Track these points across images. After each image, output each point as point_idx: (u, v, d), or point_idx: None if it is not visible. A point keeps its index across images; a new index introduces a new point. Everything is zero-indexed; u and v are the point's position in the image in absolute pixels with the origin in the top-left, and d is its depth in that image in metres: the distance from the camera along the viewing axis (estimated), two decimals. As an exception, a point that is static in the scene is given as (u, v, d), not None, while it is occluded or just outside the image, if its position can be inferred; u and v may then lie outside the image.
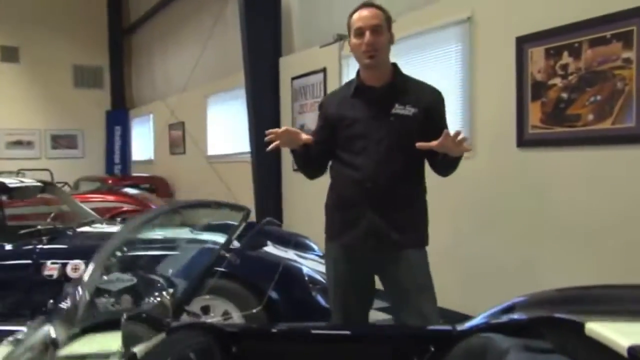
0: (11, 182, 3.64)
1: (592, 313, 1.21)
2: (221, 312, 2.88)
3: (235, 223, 1.84)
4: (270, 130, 2.03)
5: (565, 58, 3.09)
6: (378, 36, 1.99)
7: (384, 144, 2.01)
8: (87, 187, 8.77)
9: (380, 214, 2.02)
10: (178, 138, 9.29)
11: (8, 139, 11.65)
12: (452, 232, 3.89)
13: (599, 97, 2.95)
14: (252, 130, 6.03)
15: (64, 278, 2.83)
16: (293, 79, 5.74)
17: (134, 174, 10.81)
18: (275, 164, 6.03)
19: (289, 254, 3.58)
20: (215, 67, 7.85)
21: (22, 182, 3.76)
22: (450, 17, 3.86)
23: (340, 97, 2.19)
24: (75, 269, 2.84)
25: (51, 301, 2.02)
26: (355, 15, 2.04)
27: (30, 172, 8.88)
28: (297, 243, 4.09)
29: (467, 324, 1.43)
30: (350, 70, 4.95)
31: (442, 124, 2.06)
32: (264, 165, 6.02)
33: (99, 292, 1.36)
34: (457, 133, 1.85)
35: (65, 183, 9.19)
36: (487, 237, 3.64)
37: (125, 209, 6.32)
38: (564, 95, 3.11)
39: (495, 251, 3.58)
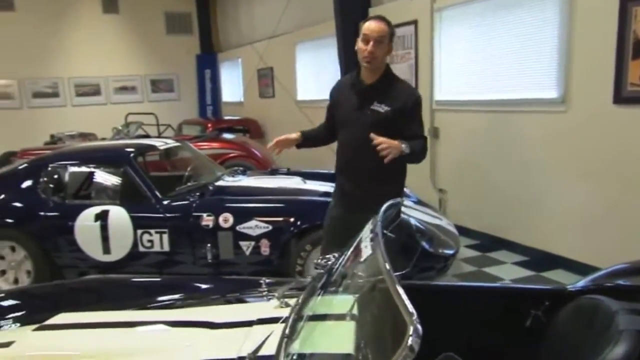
0: (160, 144, 4.26)
1: None
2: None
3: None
4: (270, 146, 2.61)
5: (671, 18, 3.07)
6: (378, 46, 2.34)
7: (359, 131, 2.40)
8: (189, 130, 9.51)
9: (355, 183, 2.50)
10: (267, 82, 9.72)
11: (115, 85, 12.53)
12: (544, 183, 4.10)
13: (703, 58, 2.95)
14: (344, 79, 6.29)
15: (217, 228, 3.43)
16: (383, 29, 5.85)
17: (228, 117, 11.39)
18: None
19: (392, 203, 4.00)
20: (303, 15, 8.00)
21: (165, 143, 4.37)
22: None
23: (342, 85, 2.63)
24: (226, 220, 3.43)
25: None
26: (366, 24, 2.39)
27: (137, 115, 9.62)
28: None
29: (578, 285, 1.72)
30: (443, 25, 5.01)
31: (412, 122, 2.44)
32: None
33: None
34: (378, 143, 2.23)
35: (169, 125, 9.80)
36: (578, 188, 3.82)
37: (232, 155, 6.92)
38: (667, 55, 3.12)
39: (587, 201, 3.78)
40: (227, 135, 8.25)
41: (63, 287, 2.16)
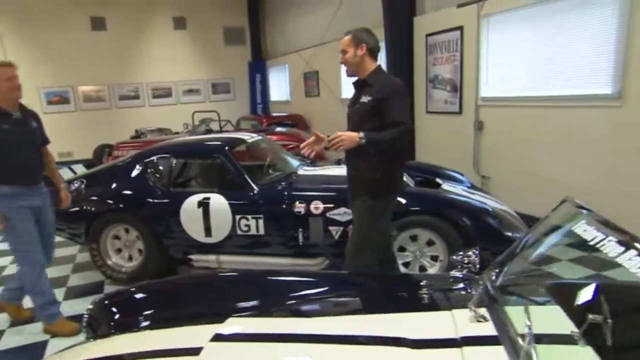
0: (247, 137, 3.88)
1: None
2: (425, 239, 2.99)
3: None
4: (304, 145, 2.34)
5: None
6: (344, 55, 2.35)
7: (352, 122, 2.35)
8: (245, 125, 9.14)
9: (356, 170, 2.37)
10: (312, 84, 9.24)
11: (183, 88, 12.31)
12: (601, 177, 3.61)
13: None
14: (389, 80, 5.81)
15: (308, 214, 3.06)
16: (427, 35, 5.33)
17: (276, 113, 11.01)
18: (409, 107, 5.83)
19: (458, 190, 3.57)
20: (349, 23, 7.47)
21: (251, 136, 3.99)
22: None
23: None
24: (317, 207, 3.06)
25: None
26: None
27: (202, 113, 9.27)
28: (452, 177, 4.05)
29: None
30: (490, 28, 4.48)
31: (391, 110, 2.20)
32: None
33: None
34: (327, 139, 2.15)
35: (228, 121, 9.43)
36: (631, 180, 3.33)
37: (290, 146, 6.51)
38: None
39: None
40: (282, 128, 7.84)
41: (181, 283, 1.78)
